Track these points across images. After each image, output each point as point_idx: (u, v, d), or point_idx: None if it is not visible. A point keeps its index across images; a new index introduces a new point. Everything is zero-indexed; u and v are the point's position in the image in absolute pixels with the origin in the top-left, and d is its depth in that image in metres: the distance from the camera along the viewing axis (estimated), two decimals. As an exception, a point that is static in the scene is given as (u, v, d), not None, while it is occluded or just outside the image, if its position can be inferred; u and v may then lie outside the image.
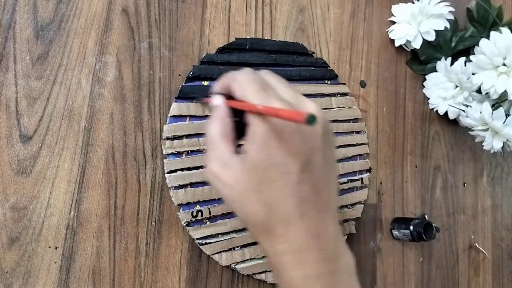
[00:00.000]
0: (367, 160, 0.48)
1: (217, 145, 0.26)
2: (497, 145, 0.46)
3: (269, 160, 0.23)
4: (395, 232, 0.49)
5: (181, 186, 0.37)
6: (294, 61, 0.45)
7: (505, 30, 0.44)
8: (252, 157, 0.23)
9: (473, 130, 0.48)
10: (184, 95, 0.38)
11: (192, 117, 0.39)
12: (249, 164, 0.24)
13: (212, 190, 0.38)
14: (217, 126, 0.26)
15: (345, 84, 0.48)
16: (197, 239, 0.37)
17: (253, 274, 0.39)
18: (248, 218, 0.25)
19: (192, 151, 0.38)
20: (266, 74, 0.27)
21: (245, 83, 0.25)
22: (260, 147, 0.23)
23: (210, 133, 0.26)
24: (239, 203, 0.25)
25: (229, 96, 0.27)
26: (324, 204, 0.24)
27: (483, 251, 0.57)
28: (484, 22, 0.53)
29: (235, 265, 0.39)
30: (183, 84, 0.39)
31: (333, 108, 0.46)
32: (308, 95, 0.45)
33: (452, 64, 0.49)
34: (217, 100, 0.27)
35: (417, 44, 0.50)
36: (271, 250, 0.24)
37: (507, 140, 0.45)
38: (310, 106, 0.24)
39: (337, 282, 0.24)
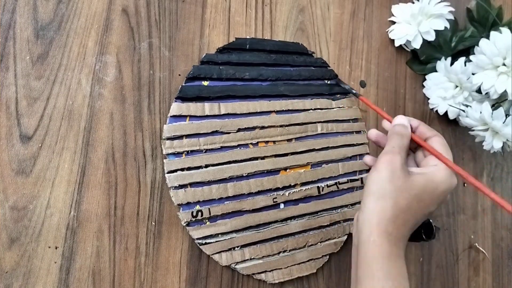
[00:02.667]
0: (367, 160, 0.48)
1: (403, 150, 0.33)
2: (497, 145, 0.46)
3: (429, 194, 0.32)
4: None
5: (181, 186, 0.37)
6: (294, 61, 0.45)
7: (505, 30, 0.44)
8: (423, 183, 0.32)
9: (473, 130, 0.48)
10: (184, 95, 0.39)
11: (192, 117, 0.39)
12: (419, 183, 0.32)
13: (212, 190, 0.38)
14: (407, 140, 0.34)
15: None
16: (197, 239, 0.37)
17: (253, 274, 0.39)
18: (390, 199, 0.31)
19: (192, 151, 0.38)
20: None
21: (444, 146, 0.34)
22: (432, 183, 0.32)
23: (402, 141, 0.34)
24: (395, 189, 0.31)
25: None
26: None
27: (483, 251, 0.57)
28: (484, 22, 0.53)
29: (235, 265, 0.39)
30: (183, 84, 0.39)
31: (333, 108, 0.46)
32: (308, 95, 0.45)
33: (452, 64, 0.49)
34: (406, 121, 0.36)
35: (417, 44, 0.50)
36: (384, 227, 0.31)
37: (507, 140, 0.45)
38: (455, 179, 0.34)
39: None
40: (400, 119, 0.36)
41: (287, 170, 0.42)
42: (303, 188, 0.43)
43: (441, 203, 0.34)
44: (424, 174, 0.32)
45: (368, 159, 0.38)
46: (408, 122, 0.36)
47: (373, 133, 0.38)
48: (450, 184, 0.33)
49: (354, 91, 0.46)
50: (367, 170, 0.48)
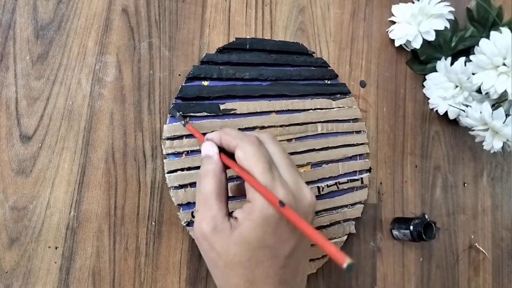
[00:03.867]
0: (367, 160, 0.48)
1: (210, 204, 0.25)
2: (497, 145, 0.46)
3: (261, 242, 0.23)
4: (395, 232, 0.49)
5: (181, 186, 0.37)
6: (294, 61, 0.45)
7: (505, 30, 0.44)
8: (245, 233, 0.23)
9: (473, 130, 0.48)
10: (184, 95, 0.38)
11: (192, 117, 0.39)
12: (241, 238, 0.24)
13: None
14: (212, 183, 0.26)
15: (345, 84, 0.48)
16: (197, 239, 0.37)
17: (253, 274, 0.39)
18: (227, 286, 0.25)
19: (192, 151, 0.38)
20: (272, 145, 0.27)
21: (252, 157, 0.25)
22: (256, 227, 0.23)
23: (203, 189, 0.26)
24: (222, 272, 0.24)
25: (222, 148, 0.27)
26: (299, 283, 0.25)
27: (483, 251, 0.57)
28: (484, 22, 0.53)
29: (235, 265, 0.39)
30: (183, 84, 0.39)
31: (333, 108, 0.46)
32: (308, 95, 0.45)
33: (452, 64, 0.49)
34: (211, 150, 0.27)
35: (417, 44, 0.50)
36: None
37: (507, 140, 0.45)
38: (309, 194, 0.25)
39: None
40: (204, 149, 0.27)
41: (287, 170, 0.42)
42: (303, 188, 0.43)
43: (296, 236, 0.24)
44: (244, 222, 0.24)
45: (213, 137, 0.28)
46: (213, 146, 0.27)
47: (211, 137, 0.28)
48: (277, 213, 0.23)
49: (183, 121, 0.36)
50: (367, 171, 0.48)
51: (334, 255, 0.20)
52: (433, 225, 0.47)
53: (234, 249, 0.24)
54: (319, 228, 0.43)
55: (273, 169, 0.25)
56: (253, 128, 0.41)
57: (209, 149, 0.27)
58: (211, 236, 0.24)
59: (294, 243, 0.24)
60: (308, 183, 0.43)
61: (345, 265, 0.20)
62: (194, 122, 0.39)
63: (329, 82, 0.47)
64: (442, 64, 0.51)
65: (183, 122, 0.36)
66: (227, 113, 0.40)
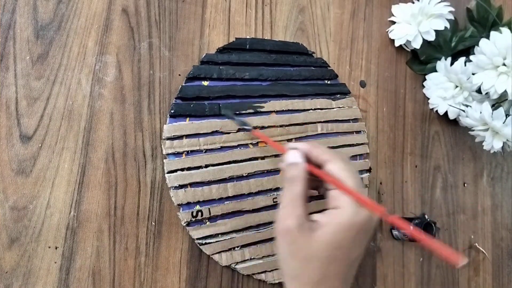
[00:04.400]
0: (367, 160, 0.48)
1: (298, 204, 0.28)
2: (497, 145, 0.46)
3: (340, 243, 0.27)
4: (395, 232, 0.49)
5: (181, 186, 0.37)
6: (294, 61, 0.45)
7: (505, 30, 0.44)
8: (328, 235, 0.27)
9: (473, 130, 0.48)
10: (184, 95, 0.39)
11: (192, 117, 0.39)
12: (323, 238, 0.27)
13: (212, 190, 0.38)
14: (300, 186, 0.29)
15: (345, 84, 0.48)
16: (197, 239, 0.37)
17: (253, 274, 0.39)
18: (301, 277, 0.27)
19: (192, 151, 0.38)
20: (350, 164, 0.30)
21: (345, 171, 0.28)
22: (340, 231, 0.27)
23: (294, 191, 0.29)
24: (299, 263, 0.27)
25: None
26: (351, 283, 0.29)
27: (483, 251, 0.57)
28: (484, 22, 0.53)
29: (235, 265, 0.39)
30: (183, 84, 0.39)
31: (333, 108, 0.46)
32: (308, 95, 0.45)
33: (452, 64, 0.49)
34: (298, 158, 0.30)
35: (417, 44, 0.50)
36: None
37: (507, 140, 0.45)
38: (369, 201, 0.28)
39: None
40: (290, 157, 0.30)
41: (287, 170, 0.42)
42: (303, 188, 0.43)
43: (365, 243, 0.28)
44: (329, 224, 0.27)
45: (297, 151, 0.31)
46: (300, 154, 0.30)
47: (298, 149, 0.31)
48: (362, 222, 0.27)
49: (247, 127, 0.39)
50: (367, 171, 0.48)
51: (449, 256, 0.24)
52: (433, 225, 0.47)
53: (315, 246, 0.26)
54: (319, 228, 0.43)
55: (358, 180, 0.29)
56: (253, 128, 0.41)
57: (296, 156, 0.30)
58: (296, 231, 0.27)
59: (363, 248, 0.28)
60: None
61: (458, 263, 0.23)
62: (194, 122, 0.39)
63: (329, 82, 0.47)
64: (442, 64, 0.51)
65: (249, 127, 0.39)
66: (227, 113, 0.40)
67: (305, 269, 0.27)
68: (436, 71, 0.52)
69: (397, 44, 0.52)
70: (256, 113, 0.42)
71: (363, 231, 0.27)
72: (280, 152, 0.31)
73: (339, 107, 0.47)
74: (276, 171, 0.42)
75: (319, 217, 0.28)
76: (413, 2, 0.52)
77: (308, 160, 0.30)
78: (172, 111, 0.38)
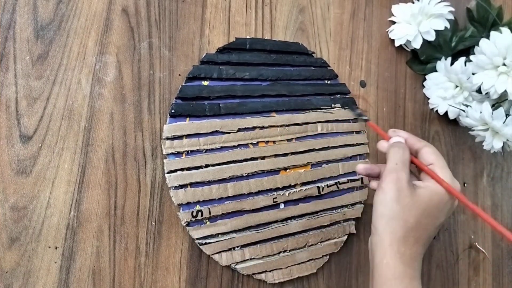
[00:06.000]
0: (367, 160, 0.48)
1: (407, 165, 0.33)
2: (497, 145, 0.46)
3: (436, 205, 0.32)
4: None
5: (181, 186, 0.37)
6: (294, 61, 0.45)
7: (505, 30, 0.44)
8: (430, 195, 0.32)
9: (473, 130, 0.48)
10: (184, 95, 0.39)
11: (192, 117, 0.39)
12: (424, 195, 0.32)
13: (212, 190, 0.38)
14: (407, 153, 0.34)
15: (345, 84, 0.48)
16: (197, 239, 0.37)
17: (253, 274, 0.39)
18: (398, 219, 0.31)
19: (192, 151, 0.38)
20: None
21: (438, 155, 0.34)
22: (438, 193, 0.32)
23: (404, 155, 0.33)
24: (402, 208, 0.31)
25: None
26: (423, 251, 0.34)
27: (483, 251, 0.57)
28: (484, 22, 0.53)
29: (235, 265, 0.39)
30: (183, 84, 0.39)
31: (333, 108, 0.46)
32: (308, 95, 0.45)
33: (452, 64, 0.49)
34: (401, 139, 0.35)
35: (417, 44, 0.50)
36: (396, 247, 0.31)
37: (507, 140, 0.45)
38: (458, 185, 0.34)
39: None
40: (397, 138, 0.36)
41: (287, 170, 0.42)
42: (303, 188, 0.43)
43: (450, 213, 0.34)
44: (428, 187, 0.32)
45: (361, 168, 0.37)
46: (401, 138, 0.36)
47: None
48: (450, 200, 0.33)
49: (364, 117, 0.46)
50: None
51: (505, 233, 0.29)
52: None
53: (416, 199, 0.31)
54: (319, 228, 0.43)
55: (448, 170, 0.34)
56: (253, 128, 0.41)
57: (399, 139, 0.35)
58: (406, 183, 0.32)
59: (446, 219, 0.34)
60: (308, 183, 0.43)
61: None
62: (194, 122, 0.39)
63: (329, 82, 0.47)
64: (442, 64, 0.51)
65: (364, 117, 0.45)
66: (227, 113, 0.40)
67: (405, 214, 0.31)
68: (436, 71, 0.52)
69: (397, 44, 0.52)
70: (257, 113, 0.42)
71: (451, 203, 0.33)
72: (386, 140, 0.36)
73: (339, 107, 0.47)
74: (276, 171, 0.42)
75: (418, 183, 0.33)
76: (413, 2, 0.52)
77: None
78: (172, 111, 0.38)
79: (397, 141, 0.35)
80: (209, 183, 0.38)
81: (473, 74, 0.46)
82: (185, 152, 0.38)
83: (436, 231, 0.33)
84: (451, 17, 0.49)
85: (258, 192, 0.40)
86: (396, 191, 0.31)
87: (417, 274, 0.32)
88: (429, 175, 0.33)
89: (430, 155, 0.34)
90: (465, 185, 0.57)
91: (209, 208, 0.38)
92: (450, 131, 0.56)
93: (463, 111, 0.49)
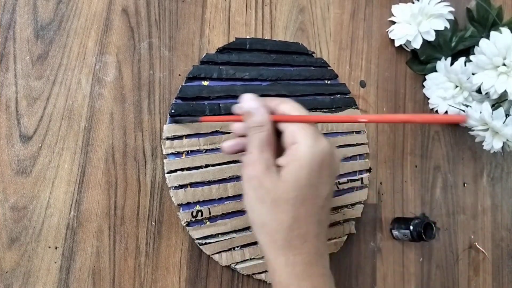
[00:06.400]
0: (367, 160, 0.48)
1: (264, 149, 0.27)
2: (497, 145, 0.46)
3: (308, 181, 0.25)
4: (395, 232, 0.49)
5: (181, 186, 0.37)
6: (294, 61, 0.45)
7: (505, 30, 0.44)
8: (293, 172, 0.25)
9: (473, 130, 0.48)
10: (184, 95, 0.39)
11: (192, 117, 0.39)
12: (289, 177, 0.26)
13: (212, 190, 0.38)
14: (266, 132, 0.27)
15: (345, 84, 0.48)
16: (197, 239, 0.37)
17: (253, 274, 0.39)
18: (270, 224, 0.26)
19: (192, 151, 0.38)
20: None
21: (297, 109, 0.28)
22: (304, 166, 0.25)
23: (259, 136, 0.27)
24: (269, 208, 0.26)
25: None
26: (327, 228, 0.28)
27: (483, 251, 0.57)
28: (484, 22, 0.53)
29: (235, 265, 0.39)
30: (183, 84, 0.39)
31: (333, 108, 0.46)
32: (307, 95, 0.45)
33: (452, 64, 0.49)
34: (253, 104, 0.28)
35: (417, 44, 0.50)
36: (283, 259, 0.26)
37: (507, 140, 0.45)
38: (325, 141, 0.27)
39: None
40: (246, 103, 0.29)
41: (287, 170, 0.42)
42: (303, 188, 0.43)
43: (333, 179, 0.27)
44: (289, 164, 0.26)
45: (226, 147, 0.31)
46: (254, 101, 0.29)
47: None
48: (322, 153, 0.26)
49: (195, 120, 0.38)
50: (367, 171, 0.48)
51: (451, 119, 0.23)
52: (433, 225, 0.47)
53: (282, 187, 0.25)
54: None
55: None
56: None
57: (251, 104, 0.29)
58: (263, 175, 0.26)
59: (330, 187, 0.27)
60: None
61: (464, 120, 0.22)
62: (194, 122, 0.39)
63: (329, 82, 0.47)
64: (442, 64, 0.51)
65: (196, 119, 0.38)
66: (227, 113, 0.40)
67: (275, 214, 0.25)
68: (436, 71, 0.52)
69: (397, 44, 0.52)
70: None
71: (326, 164, 0.26)
72: (238, 120, 0.30)
73: (339, 107, 0.47)
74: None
75: (281, 160, 0.27)
76: (413, 2, 0.52)
77: None
78: (172, 111, 0.38)
79: (250, 107, 0.28)
80: (209, 183, 0.38)
81: (473, 74, 0.46)
82: (185, 152, 0.38)
83: (328, 204, 0.27)
84: (451, 17, 0.49)
85: (258, 192, 0.40)
86: (254, 190, 0.26)
87: (319, 271, 0.26)
88: (278, 120, 0.27)
89: (286, 107, 0.28)
90: (465, 185, 0.57)
91: (209, 208, 0.38)
92: (450, 131, 0.57)
93: (463, 111, 0.49)
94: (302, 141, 0.26)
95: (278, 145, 0.28)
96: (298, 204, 0.25)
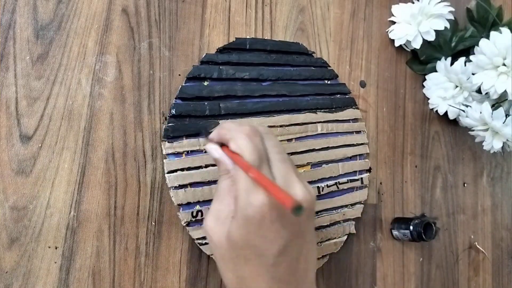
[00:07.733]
0: (367, 160, 0.48)
1: (221, 199, 0.26)
2: (497, 145, 0.46)
3: (246, 241, 0.23)
4: (395, 232, 0.49)
5: (181, 186, 0.37)
6: (294, 61, 0.45)
7: (505, 30, 0.44)
8: (232, 232, 0.24)
9: (473, 130, 0.48)
10: (184, 95, 0.39)
11: (192, 117, 0.39)
12: (229, 236, 0.24)
13: (212, 190, 0.38)
14: (227, 181, 0.27)
15: (345, 84, 0.48)
16: (197, 239, 0.37)
17: (253, 274, 0.39)
18: (224, 279, 0.26)
19: (192, 151, 0.38)
20: (266, 139, 0.27)
21: (243, 150, 0.25)
22: (240, 227, 0.23)
23: (218, 186, 0.27)
24: (219, 264, 0.26)
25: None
26: (299, 280, 0.25)
27: (483, 251, 0.57)
28: (484, 22, 0.53)
29: (235, 265, 0.39)
30: (183, 84, 0.39)
31: (333, 108, 0.46)
32: (307, 95, 0.45)
33: (452, 64, 0.49)
34: (215, 153, 0.28)
35: (417, 44, 0.50)
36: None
37: (507, 140, 0.45)
38: (300, 190, 0.24)
39: None
40: (210, 152, 0.28)
41: (287, 170, 0.42)
42: (303, 188, 0.43)
43: (289, 229, 0.23)
44: (232, 220, 0.24)
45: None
46: (216, 147, 0.28)
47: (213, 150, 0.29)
48: (261, 210, 0.22)
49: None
50: (367, 171, 0.48)
51: (279, 196, 0.20)
52: (433, 225, 0.47)
53: (225, 245, 0.24)
54: (319, 228, 0.43)
55: (263, 164, 0.25)
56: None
57: (213, 152, 0.28)
58: (210, 229, 0.25)
59: (283, 242, 0.23)
60: (308, 183, 0.43)
61: (291, 207, 0.19)
62: (194, 122, 0.39)
63: (329, 82, 0.47)
64: (442, 64, 0.51)
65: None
66: (227, 113, 0.40)
67: (223, 271, 0.25)
68: (436, 71, 0.52)
69: (397, 44, 0.52)
70: (257, 113, 0.42)
71: (270, 221, 0.23)
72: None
73: (339, 107, 0.47)
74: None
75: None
76: (413, 2, 0.52)
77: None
78: (172, 111, 0.38)
79: (214, 157, 0.28)
80: (209, 183, 0.38)
81: (473, 74, 0.46)
82: (185, 152, 0.38)
83: (287, 257, 0.24)
84: (451, 17, 0.49)
85: (258, 192, 0.40)
86: (209, 244, 0.26)
87: None
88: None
89: (233, 147, 0.26)
90: (465, 185, 0.57)
91: (209, 208, 0.38)
92: (450, 131, 0.57)
93: (463, 111, 0.49)
94: (238, 199, 0.23)
95: None
96: (241, 264, 0.24)
